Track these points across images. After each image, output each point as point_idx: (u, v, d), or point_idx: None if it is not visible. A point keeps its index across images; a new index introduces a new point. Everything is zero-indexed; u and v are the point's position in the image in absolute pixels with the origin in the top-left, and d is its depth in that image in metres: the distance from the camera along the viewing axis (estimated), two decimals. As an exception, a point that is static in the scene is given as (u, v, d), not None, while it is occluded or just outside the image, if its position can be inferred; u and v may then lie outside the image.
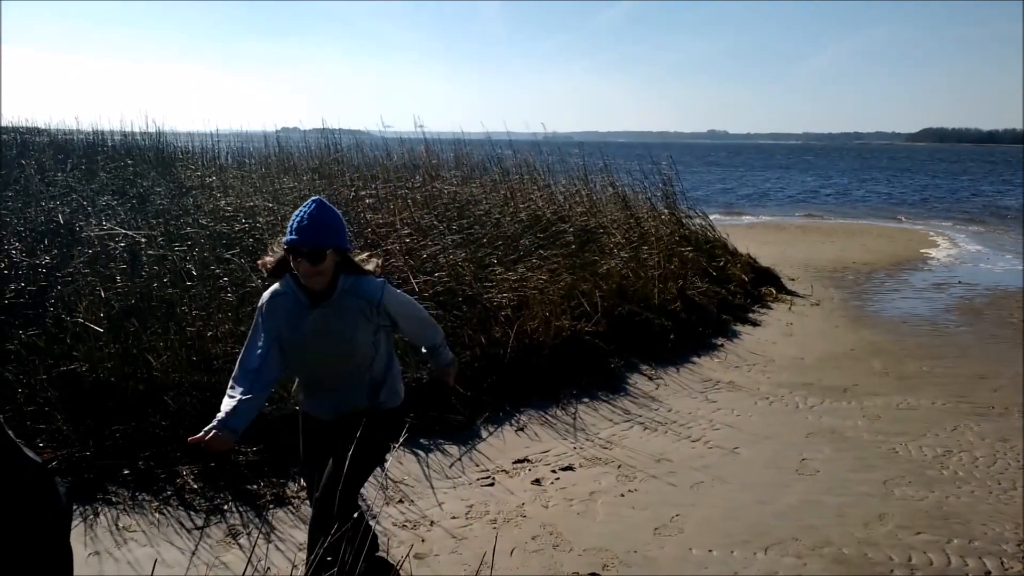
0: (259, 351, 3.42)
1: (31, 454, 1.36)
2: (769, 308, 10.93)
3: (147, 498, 4.94)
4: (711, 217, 13.88)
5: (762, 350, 8.89)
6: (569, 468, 5.67)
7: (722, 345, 8.96)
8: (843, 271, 14.65)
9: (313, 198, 3.45)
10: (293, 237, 3.32)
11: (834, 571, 4.35)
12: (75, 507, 4.83)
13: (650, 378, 7.70)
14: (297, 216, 3.37)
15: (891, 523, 4.88)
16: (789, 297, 11.66)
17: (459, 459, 5.79)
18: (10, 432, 1.28)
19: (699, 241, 12.25)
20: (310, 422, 3.75)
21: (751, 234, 19.33)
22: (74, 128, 14.83)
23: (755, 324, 10.01)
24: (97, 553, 4.40)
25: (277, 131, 16.48)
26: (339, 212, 3.51)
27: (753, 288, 11.43)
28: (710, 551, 4.53)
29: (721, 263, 11.65)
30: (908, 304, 11.88)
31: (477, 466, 5.70)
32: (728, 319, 9.85)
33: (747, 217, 26.19)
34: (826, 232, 21.44)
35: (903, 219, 26.57)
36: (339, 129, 15.45)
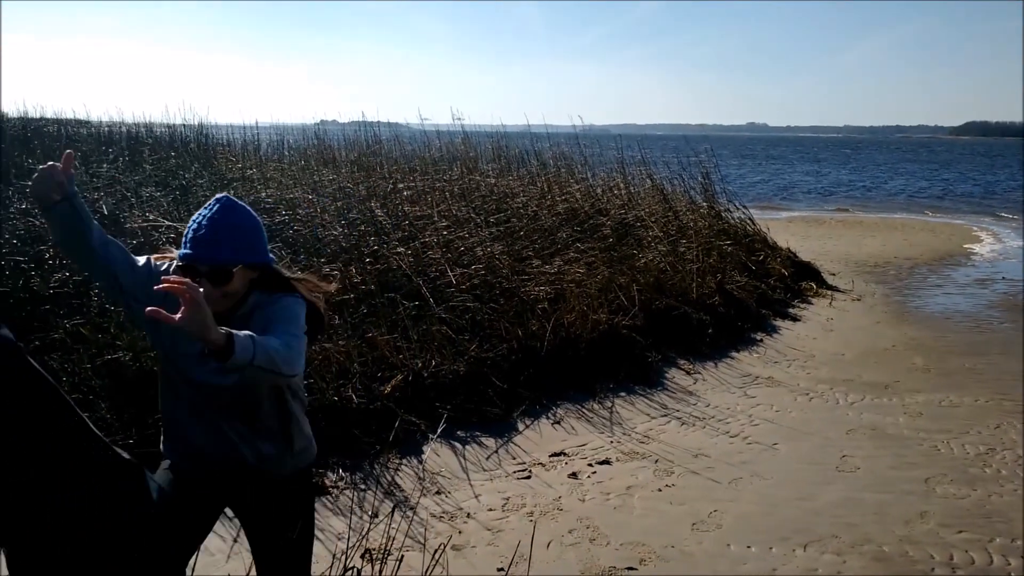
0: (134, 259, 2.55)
1: (122, 453, 1.34)
2: (809, 303, 10.82)
3: (188, 486, 4.99)
4: (749, 211, 13.75)
5: (802, 345, 8.81)
6: (606, 462, 5.66)
7: (761, 340, 8.89)
8: (885, 266, 14.46)
9: (217, 196, 2.50)
10: (187, 251, 2.41)
11: (874, 569, 4.30)
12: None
13: (688, 372, 7.65)
14: (194, 221, 2.45)
15: (932, 521, 4.82)
16: (830, 292, 11.53)
17: (495, 451, 5.80)
18: (93, 428, 1.27)
19: (738, 235, 12.15)
20: (178, 475, 2.75)
21: (791, 228, 19.15)
22: (117, 119, 15.04)
23: (795, 319, 9.91)
24: (139, 540, 4.45)
25: (316, 124, 16.59)
26: (252, 212, 2.56)
27: (793, 283, 11.32)
28: (748, 547, 4.50)
29: (760, 257, 11.55)
30: (951, 300, 11.70)
31: (513, 459, 5.71)
32: (767, 314, 9.76)
33: (786, 212, 25.92)
34: (867, 226, 21.16)
35: (939, 214, 26.13)
36: (377, 122, 15.53)
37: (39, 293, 6.55)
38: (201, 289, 2.07)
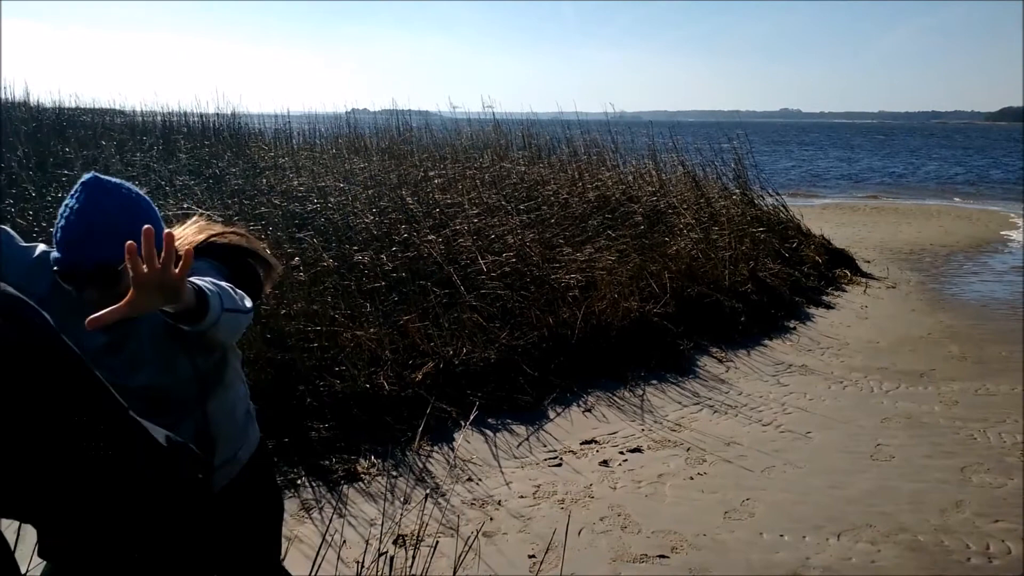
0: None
1: (159, 436, 1.16)
2: (843, 290, 10.71)
3: (223, 472, 5.05)
4: (783, 197, 13.62)
5: (836, 333, 8.72)
6: (637, 450, 5.64)
7: (794, 328, 8.82)
8: (920, 253, 14.28)
9: (83, 179, 1.98)
10: (60, 256, 1.92)
11: (908, 558, 4.26)
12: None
13: (720, 360, 7.61)
14: (62, 216, 1.95)
15: (968, 510, 4.76)
16: (864, 279, 11.40)
17: (526, 439, 5.80)
18: (132, 414, 1.15)
19: (771, 222, 12.04)
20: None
21: (824, 215, 18.96)
22: (152, 108, 15.18)
23: (829, 307, 9.82)
24: (175, 525, 4.51)
25: (347, 112, 16.65)
26: (129, 188, 2.06)
27: (827, 270, 11.21)
28: (781, 536, 4.48)
29: (794, 244, 11.45)
30: (987, 287, 11.53)
31: (544, 446, 5.71)
32: (801, 301, 9.68)
33: (819, 199, 25.66)
34: (902, 213, 20.90)
35: (975, 201, 25.73)
36: (408, 110, 15.56)
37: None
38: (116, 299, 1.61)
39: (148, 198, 2.09)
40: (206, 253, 2.19)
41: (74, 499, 1.01)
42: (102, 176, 2.00)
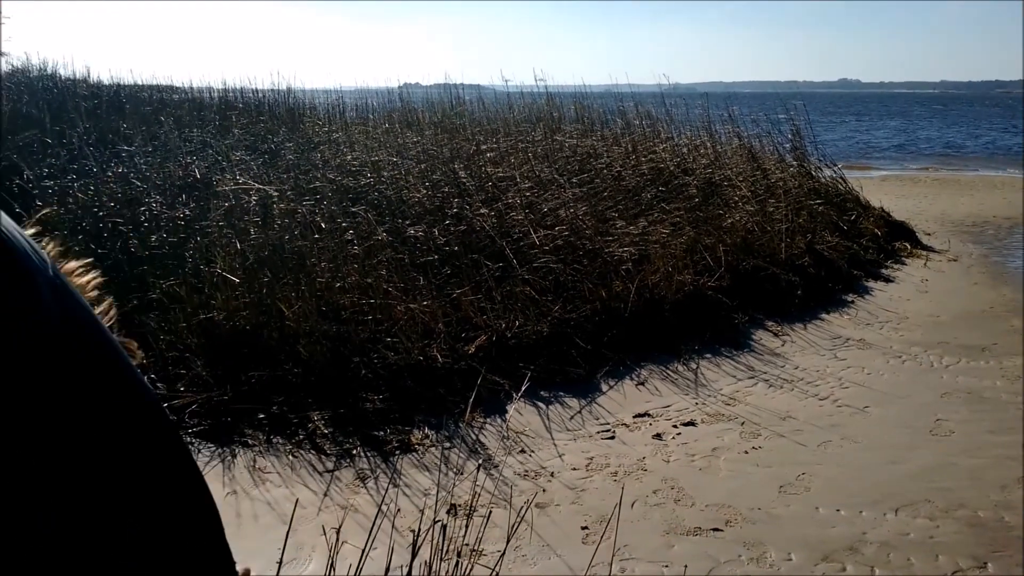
0: None
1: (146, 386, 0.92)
2: (903, 264, 10.50)
3: (281, 441, 5.15)
4: (841, 169, 13.36)
5: (895, 307, 8.56)
6: (691, 423, 5.61)
7: (852, 301, 8.67)
8: (982, 225, 13.92)
9: None
10: None
11: (968, 534, 4.19)
12: (213, 448, 5.07)
13: (775, 334, 7.52)
14: None
15: (1033, 488, 4.66)
16: (924, 252, 11.16)
17: (579, 412, 5.80)
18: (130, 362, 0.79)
19: (829, 194, 11.83)
20: None
21: (884, 187, 18.57)
22: (209, 84, 15.38)
23: (888, 280, 9.63)
24: (235, 492, 4.61)
25: (400, 87, 16.68)
26: None
27: (886, 243, 10.99)
28: (837, 510, 4.43)
29: (852, 217, 11.23)
30: (1055, 260, 11.21)
31: (597, 419, 5.70)
32: (859, 275, 9.51)
33: (877, 170, 25.12)
34: (964, 185, 20.37)
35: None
36: (461, 84, 15.54)
37: (137, 254, 6.78)
38: None
39: None
40: None
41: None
42: None
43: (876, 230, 11.09)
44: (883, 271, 9.96)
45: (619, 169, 10.39)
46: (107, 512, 0.79)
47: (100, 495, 0.78)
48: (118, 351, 0.91)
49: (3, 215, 0.78)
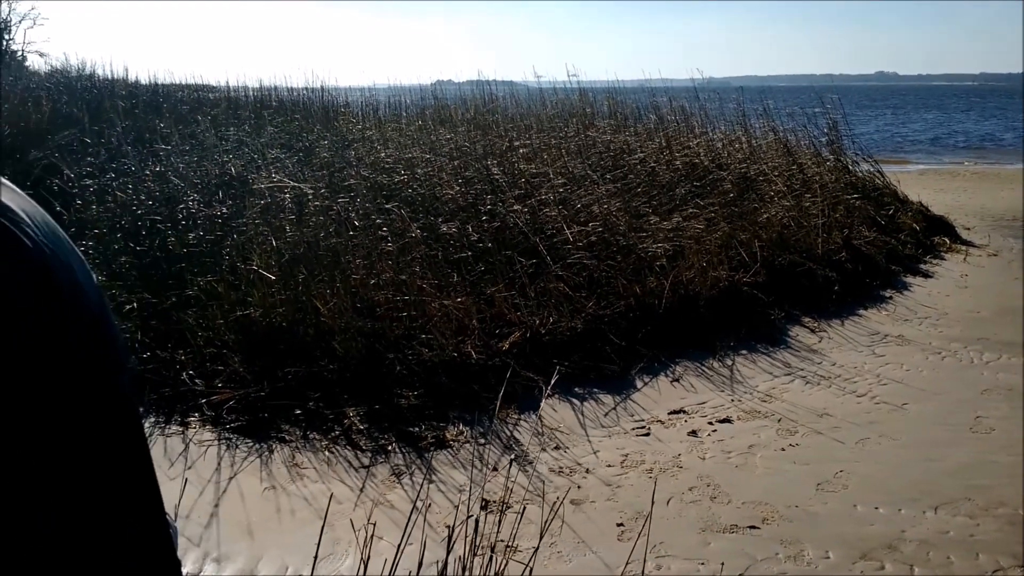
0: None
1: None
2: (942, 259, 10.35)
3: (317, 437, 5.19)
4: (878, 163, 13.18)
5: (934, 303, 8.45)
6: (727, 420, 5.58)
7: (890, 297, 8.56)
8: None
9: None
10: None
11: (1008, 533, 4.12)
12: (250, 444, 5.12)
13: (812, 330, 7.45)
14: None
15: (1077, 487, 4.58)
16: (964, 247, 10.99)
17: (614, 408, 5.79)
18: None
19: (866, 188, 11.69)
20: None
21: (922, 181, 18.32)
22: (244, 83, 15.53)
23: (926, 275, 9.51)
24: (272, 488, 4.65)
25: (432, 84, 16.73)
26: None
27: (925, 238, 10.84)
28: (876, 508, 4.38)
29: (890, 211, 11.09)
30: (1099, 255, 11.00)
31: (632, 416, 5.69)
32: (897, 270, 9.39)
33: (915, 164, 24.79)
34: (1005, 179, 20.03)
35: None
36: (493, 80, 15.55)
37: (175, 252, 6.86)
38: None
39: None
40: None
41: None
42: None
43: (914, 225, 10.95)
44: (922, 266, 9.83)
45: (653, 165, 10.34)
46: (107, 512, 0.78)
47: (101, 495, 0.77)
48: (115, 343, 0.84)
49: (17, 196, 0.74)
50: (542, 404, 5.69)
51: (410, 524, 2.74)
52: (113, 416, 0.80)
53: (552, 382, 5.49)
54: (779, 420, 5.57)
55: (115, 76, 16.16)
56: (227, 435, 5.26)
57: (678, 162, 10.64)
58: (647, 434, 5.39)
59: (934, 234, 11.16)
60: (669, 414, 5.70)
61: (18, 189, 0.77)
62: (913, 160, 26.21)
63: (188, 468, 4.89)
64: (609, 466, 4.93)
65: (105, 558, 0.78)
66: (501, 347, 6.06)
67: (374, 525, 2.73)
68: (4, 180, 0.74)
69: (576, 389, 6.01)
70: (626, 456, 5.06)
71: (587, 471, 4.86)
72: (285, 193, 7.86)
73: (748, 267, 7.80)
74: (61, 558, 0.73)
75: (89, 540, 0.76)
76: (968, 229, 12.14)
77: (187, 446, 5.16)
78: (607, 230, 7.85)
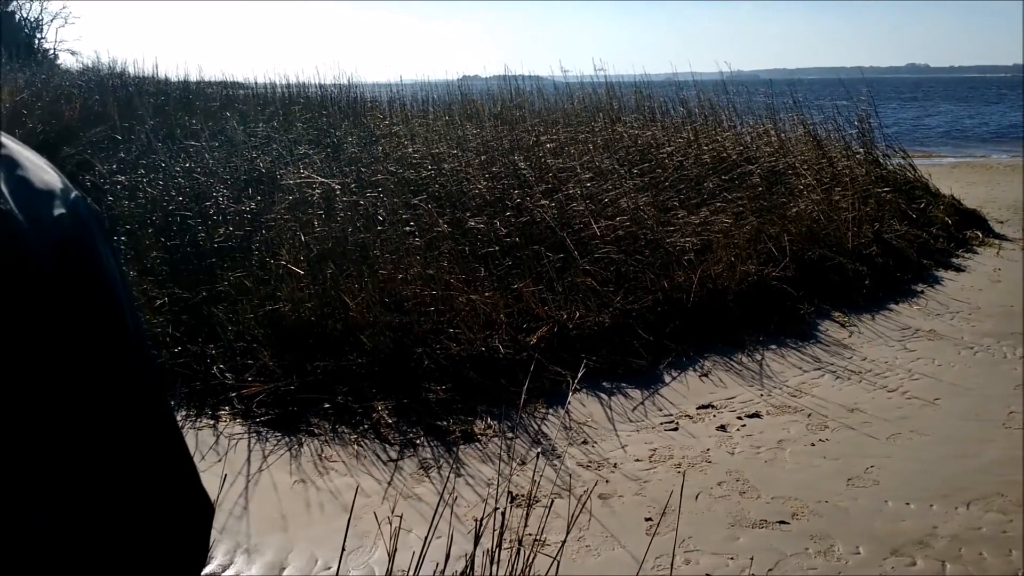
0: None
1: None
2: (975, 252, 10.22)
3: (346, 431, 5.22)
4: (909, 157, 13.03)
5: (966, 297, 8.34)
6: (756, 415, 5.55)
7: (922, 291, 8.47)
8: (1060, 213, 13.48)
9: None
10: None
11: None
12: (280, 437, 5.16)
13: (842, 325, 7.38)
14: None
15: (1113, 483, 4.51)
16: (997, 241, 10.85)
17: (642, 403, 5.77)
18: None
19: (897, 182, 11.56)
20: None
21: (954, 174, 18.09)
22: (272, 79, 15.62)
23: (959, 269, 9.39)
24: (302, 481, 4.69)
25: (459, 79, 16.74)
26: None
27: (957, 231, 10.71)
28: (907, 504, 4.34)
29: (922, 205, 10.97)
30: None
31: (660, 410, 5.67)
32: (929, 264, 9.28)
33: (948, 157, 24.49)
34: (1040, 171, 19.74)
35: None
36: (520, 75, 15.52)
37: (204, 247, 6.92)
38: None
39: None
40: None
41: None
42: None
43: (946, 218, 10.82)
44: (954, 260, 9.71)
45: (680, 159, 10.29)
46: (107, 512, 0.76)
47: (100, 495, 0.75)
48: (131, 328, 0.80)
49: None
50: (569, 398, 5.69)
51: (437, 517, 2.75)
52: (122, 399, 0.77)
53: (579, 376, 5.49)
54: (809, 415, 5.53)
55: (145, 74, 16.34)
56: (257, 428, 5.30)
57: (706, 156, 10.58)
58: (675, 429, 5.37)
59: (966, 228, 11.02)
60: (698, 409, 5.68)
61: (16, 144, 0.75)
62: (944, 152, 25.89)
63: (219, 461, 4.94)
64: (637, 460, 4.92)
65: (106, 558, 0.77)
66: (528, 341, 6.06)
67: (401, 518, 2.74)
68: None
69: (604, 383, 6.00)
70: (654, 451, 5.04)
71: (615, 466, 4.85)
72: (313, 189, 7.90)
73: (777, 261, 7.74)
74: (61, 558, 0.72)
75: (89, 540, 0.75)
76: (1001, 223, 11.98)
77: (217, 439, 5.21)
78: (635, 224, 7.82)
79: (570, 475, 4.69)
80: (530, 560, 2.65)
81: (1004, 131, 34.48)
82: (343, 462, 4.91)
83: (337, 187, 7.89)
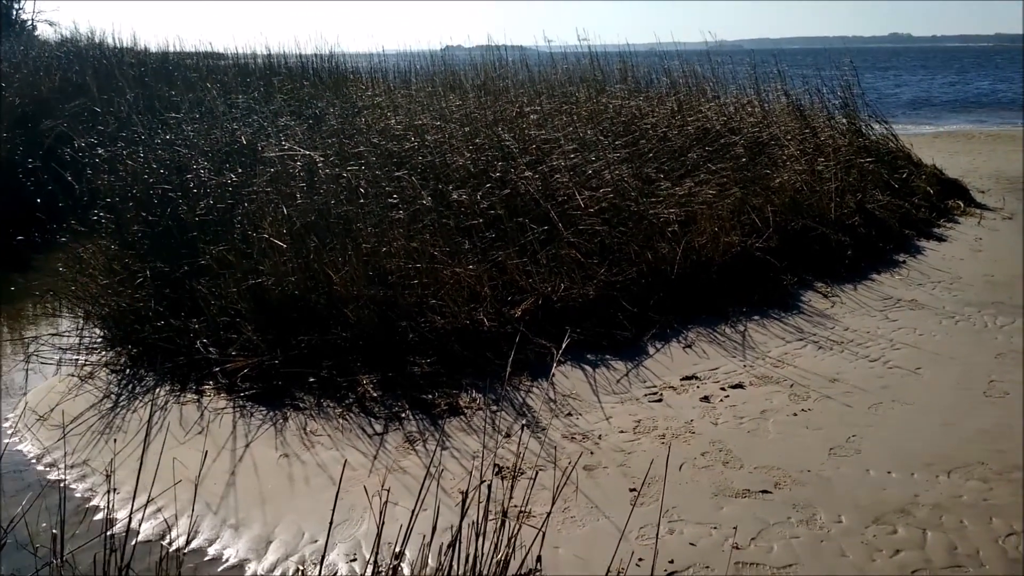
0: None
1: None
2: (956, 222, 10.28)
3: (331, 404, 5.23)
4: (892, 126, 13.05)
5: (948, 266, 8.39)
6: (739, 386, 5.58)
7: (904, 261, 8.51)
8: (1040, 182, 13.55)
9: None
10: None
11: (1022, 497, 4.12)
12: (265, 411, 5.16)
13: (825, 295, 7.42)
14: None
15: (1091, 450, 4.57)
16: (978, 210, 10.90)
17: (626, 375, 5.80)
18: None
19: (880, 152, 11.58)
20: None
21: (936, 144, 18.15)
22: (254, 50, 15.47)
23: (940, 239, 9.45)
24: (287, 456, 4.69)
25: (442, 49, 16.60)
26: None
27: (938, 201, 10.75)
28: (889, 473, 4.38)
29: (904, 175, 11.00)
30: (1116, 217, 10.89)
31: (644, 382, 5.69)
32: (911, 234, 9.33)
33: (929, 126, 24.54)
34: (1020, 141, 19.81)
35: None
36: (504, 46, 15.40)
37: (186, 221, 6.87)
38: None
39: None
40: None
41: None
42: None
43: (928, 188, 10.86)
44: (935, 230, 9.77)
45: (664, 130, 10.26)
46: None
47: None
48: None
49: None
50: (553, 370, 5.71)
51: (424, 490, 2.76)
52: None
53: (563, 348, 5.50)
54: (791, 385, 5.57)
55: (124, 44, 16.17)
56: (241, 403, 5.30)
57: (690, 127, 10.55)
58: (659, 400, 5.40)
59: (948, 197, 11.08)
60: (681, 380, 5.70)
61: None
62: (926, 121, 25.94)
63: (201, 433, 4.93)
64: (621, 432, 4.94)
65: None
66: (513, 314, 6.07)
67: (388, 491, 2.75)
68: None
69: (588, 356, 6.02)
70: (639, 422, 5.07)
71: (599, 437, 4.88)
72: (295, 161, 7.84)
73: (761, 232, 7.76)
74: None
75: None
76: (983, 192, 12.04)
77: (202, 414, 5.20)
78: (618, 196, 7.81)
79: (555, 447, 4.71)
80: (516, 532, 2.66)
81: (975, 99, 34.58)
82: (328, 436, 4.91)
83: (319, 159, 7.83)
